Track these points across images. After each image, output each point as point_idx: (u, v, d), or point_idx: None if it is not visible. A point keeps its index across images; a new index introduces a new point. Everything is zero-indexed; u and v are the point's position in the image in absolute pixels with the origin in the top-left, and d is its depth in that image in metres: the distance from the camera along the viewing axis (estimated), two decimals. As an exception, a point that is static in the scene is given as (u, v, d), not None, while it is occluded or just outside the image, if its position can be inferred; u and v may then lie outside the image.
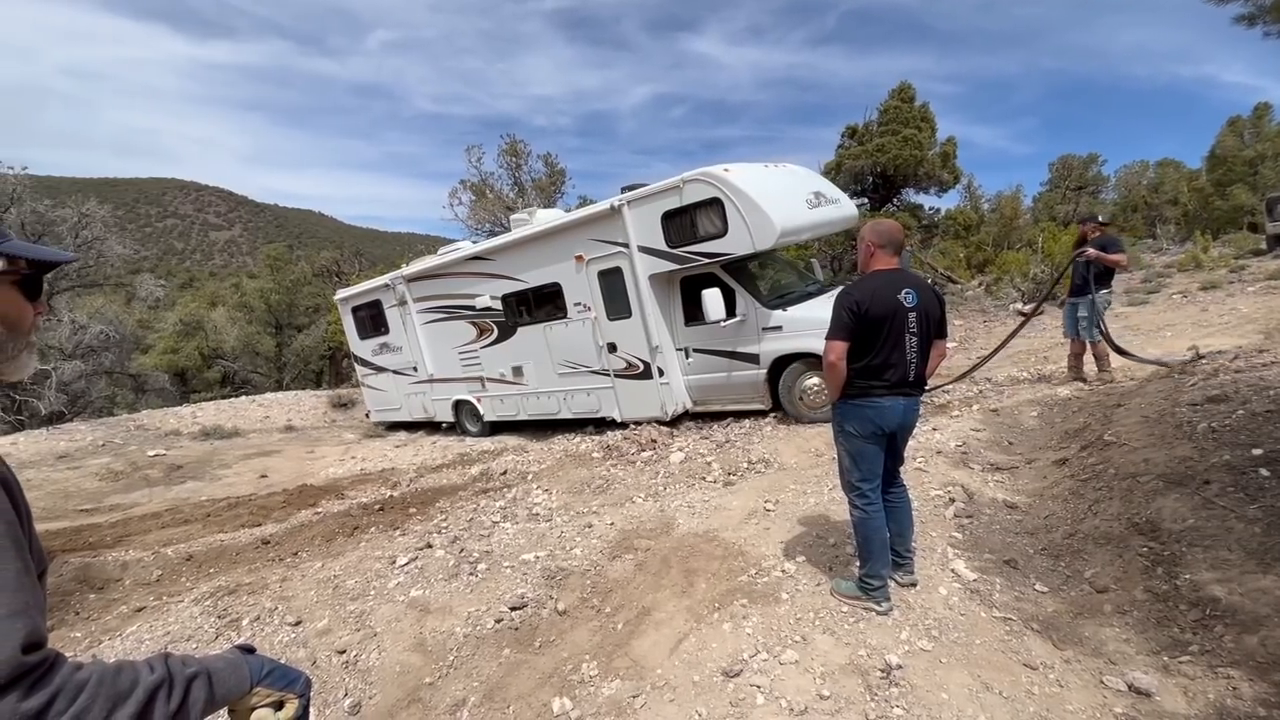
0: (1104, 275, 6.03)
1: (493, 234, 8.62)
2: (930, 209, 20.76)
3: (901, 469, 3.04)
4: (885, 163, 18.00)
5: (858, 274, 2.96)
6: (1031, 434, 5.11)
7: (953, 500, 3.90)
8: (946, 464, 4.51)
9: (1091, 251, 5.86)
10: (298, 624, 3.66)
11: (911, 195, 20.00)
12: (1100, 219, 6.35)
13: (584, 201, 7.44)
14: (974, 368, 6.81)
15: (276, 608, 3.89)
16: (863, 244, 2.83)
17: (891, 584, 2.94)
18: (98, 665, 0.82)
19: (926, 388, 2.96)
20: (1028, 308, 10.72)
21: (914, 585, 3.00)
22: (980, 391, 6.55)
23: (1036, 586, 2.98)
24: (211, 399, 16.46)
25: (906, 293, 2.66)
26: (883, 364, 2.67)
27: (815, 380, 6.21)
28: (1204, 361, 5.19)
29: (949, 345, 2.98)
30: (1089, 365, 6.20)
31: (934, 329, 2.76)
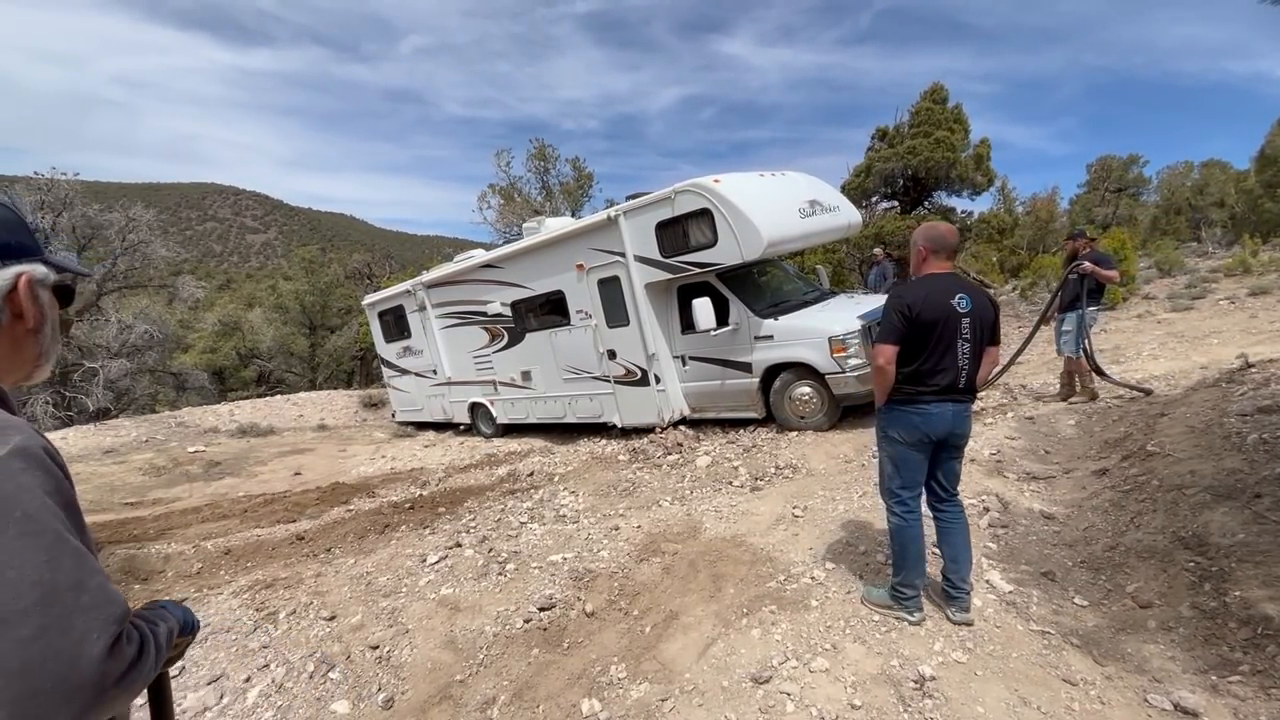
0: (1094, 291, 6.02)
1: (520, 238, 8.87)
2: (963, 212, 20.34)
3: (960, 486, 2.89)
4: (916, 165, 17.68)
5: (894, 279, 2.92)
6: (1069, 443, 4.98)
7: (987, 509, 3.82)
8: (980, 472, 4.43)
9: (1088, 265, 5.87)
10: (332, 619, 3.75)
11: (943, 198, 19.61)
12: (1088, 234, 6.41)
13: (610, 204, 7.55)
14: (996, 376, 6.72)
15: (312, 602, 4.00)
16: (914, 248, 2.77)
17: (923, 596, 2.89)
18: (152, 624, 0.97)
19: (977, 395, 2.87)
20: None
21: (969, 625, 2.75)
22: (1015, 398, 6.40)
23: (1076, 600, 2.90)
24: (248, 397, 16.91)
25: (960, 298, 2.61)
26: (932, 369, 2.61)
27: (806, 389, 6.20)
28: (1254, 370, 5.00)
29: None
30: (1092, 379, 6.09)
31: (987, 335, 2.71)
